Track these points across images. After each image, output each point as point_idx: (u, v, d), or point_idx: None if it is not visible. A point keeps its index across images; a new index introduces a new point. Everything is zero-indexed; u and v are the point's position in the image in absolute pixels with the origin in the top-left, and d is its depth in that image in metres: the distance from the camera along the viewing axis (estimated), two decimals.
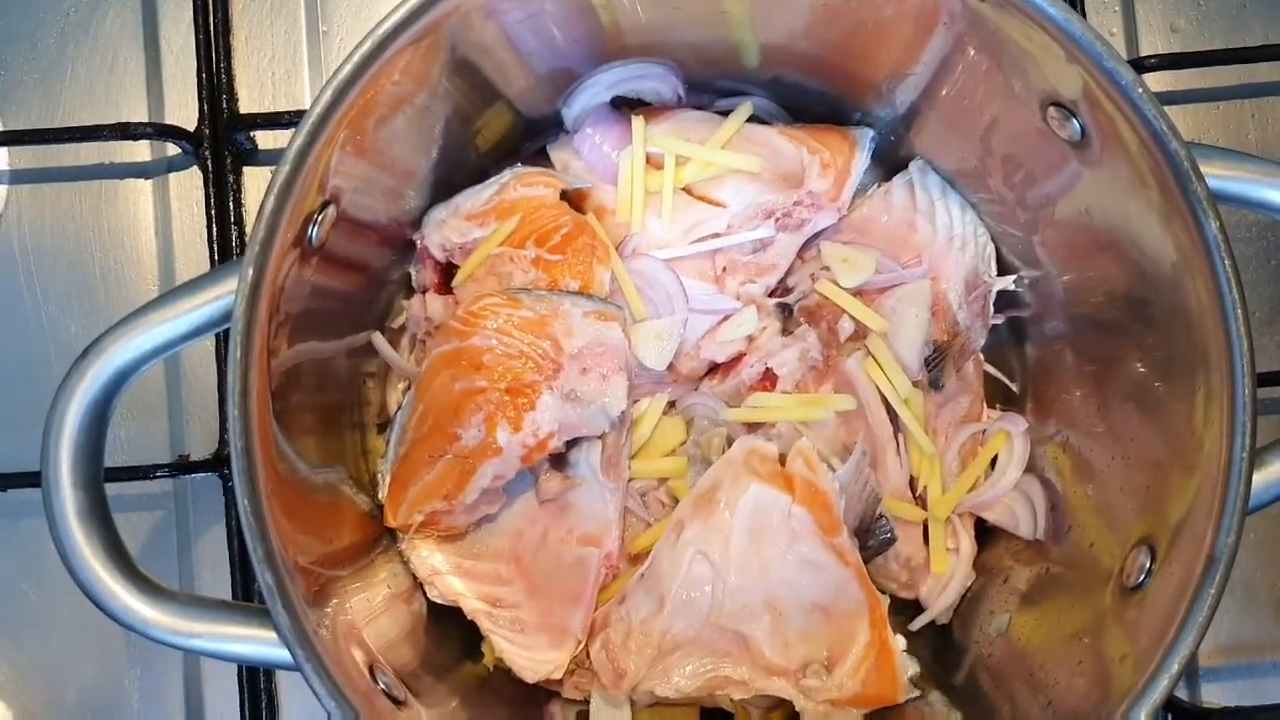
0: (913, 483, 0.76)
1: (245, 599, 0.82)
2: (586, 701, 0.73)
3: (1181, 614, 0.57)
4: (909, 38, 0.67)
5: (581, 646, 0.72)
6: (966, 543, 0.76)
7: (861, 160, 0.76)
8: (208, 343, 0.84)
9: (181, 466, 0.83)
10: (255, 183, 0.85)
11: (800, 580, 0.69)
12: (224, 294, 0.59)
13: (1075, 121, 0.62)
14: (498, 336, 0.69)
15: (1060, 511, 0.73)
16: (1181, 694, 0.81)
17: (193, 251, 0.86)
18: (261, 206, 0.57)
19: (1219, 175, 0.59)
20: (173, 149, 0.86)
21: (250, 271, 0.57)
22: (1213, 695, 0.82)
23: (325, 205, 0.62)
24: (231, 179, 0.84)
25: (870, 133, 0.77)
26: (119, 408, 0.61)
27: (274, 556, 0.57)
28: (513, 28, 0.66)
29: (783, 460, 0.72)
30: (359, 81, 0.58)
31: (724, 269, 0.75)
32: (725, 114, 0.78)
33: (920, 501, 0.76)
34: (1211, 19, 0.86)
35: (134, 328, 0.59)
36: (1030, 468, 0.76)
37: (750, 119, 0.78)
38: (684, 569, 0.69)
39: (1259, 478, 0.58)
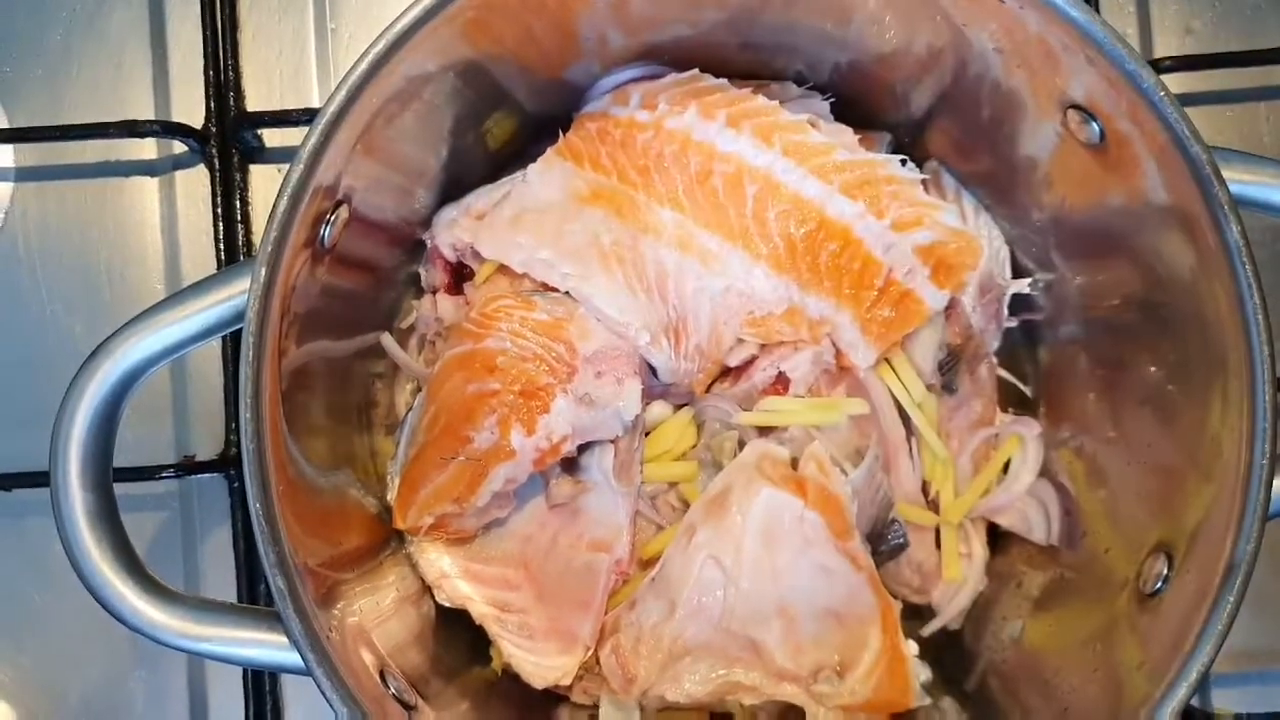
0: (925, 487, 0.76)
1: (251, 600, 0.81)
2: (596, 707, 0.72)
3: (1200, 622, 0.57)
4: (926, 38, 0.66)
5: (590, 653, 0.71)
6: (979, 548, 0.76)
7: None
8: (214, 342, 0.83)
9: (187, 467, 0.82)
10: (262, 181, 0.85)
11: (812, 585, 0.69)
12: (234, 295, 0.59)
13: (1095, 125, 0.61)
14: (511, 338, 0.68)
15: (1074, 517, 0.73)
16: (1192, 700, 0.81)
17: (199, 250, 0.85)
18: (274, 207, 0.56)
19: (1240, 180, 0.59)
20: (179, 147, 0.85)
21: (263, 272, 0.56)
22: (1224, 701, 0.82)
23: (338, 205, 0.62)
24: (238, 177, 0.84)
25: (887, 136, 0.77)
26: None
27: (285, 560, 0.57)
28: (524, 28, 0.66)
29: (795, 464, 0.71)
30: (372, 81, 0.57)
31: None
32: None
33: (933, 506, 0.76)
34: (1227, 20, 0.85)
35: (143, 328, 0.59)
36: (1044, 472, 0.76)
37: None
38: (695, 573, 0.69)
39: (1279, 484, 0.58)
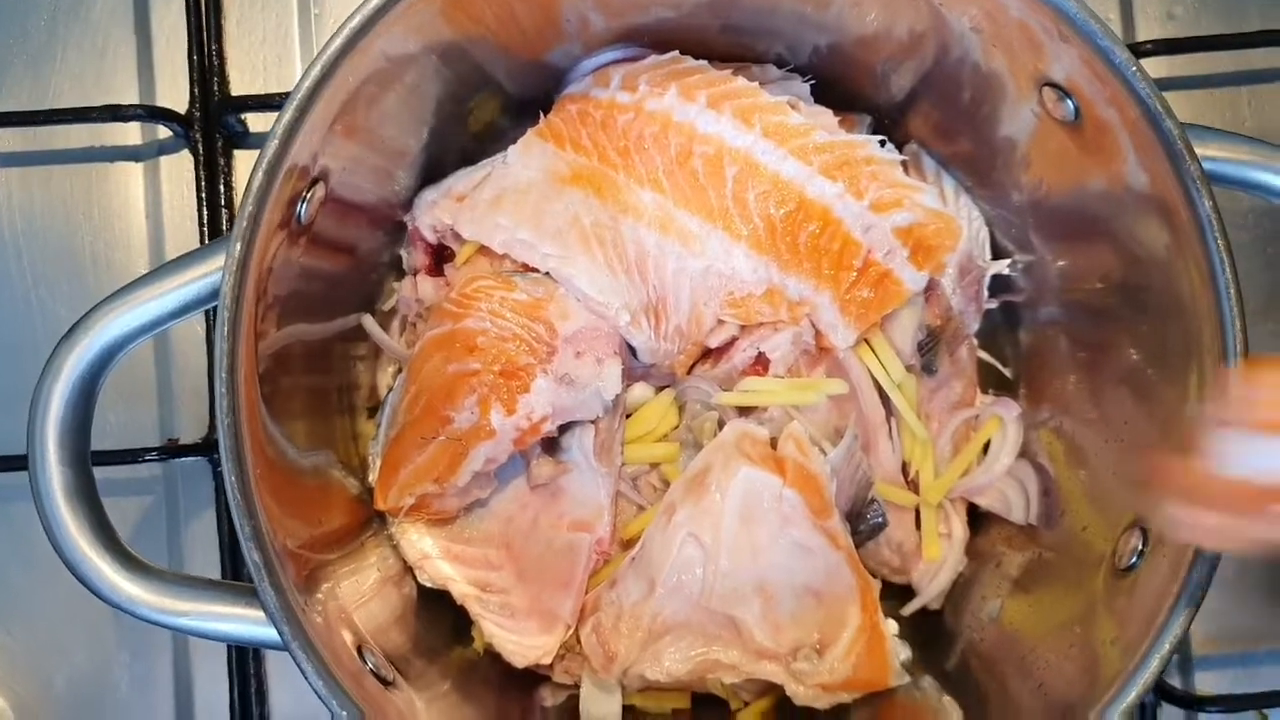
0: (905, 468, 0.76)
1: None
2: (577, 686, 0.73)
3: (1173, 595, 0.57)
4: (906, 20, 0.66)
5: (571, 632, 0.72)
6: (959, 528, 0.76)
7: None
8: (197, 326, 0.84)
9: (171, 450, 0.82)
10: (246, 165, 0.85)
11: (791, 563, 0.69)
12: (213, 270, 0.59)
13: (1070, 102, 0.61)
14: (491, 319, 0.68)
15: (1053, 496, 0.73)
16: (1175, 682, 0.81)
17: (183, 234, 0.85)
18: (249, 182, 0.56)
19: (1215, 156, 0.59)
20: (163, 131, 0.86)
21: (238, 246, 0.56)
22: (1206, 683, 0.82)
23: (314, 183, 0.62)
24: (222, 162, 0.84)
25: (868, 118, 0.77)
26: (108, 391, 0.61)
27: (261, 534, 0.57)
28: (505, 8, 0.66)
29: (774, 444, 0.71)
30: (348, 57, 0.58)
31: None
32: None
33: (912, 486, 0.76)
34: (1208, 5, 0.85)
35: (122, 304, 0.59)
36: (1023, 453, 0.76)
37: None
38: (675, 552, 0.69)
39: None
